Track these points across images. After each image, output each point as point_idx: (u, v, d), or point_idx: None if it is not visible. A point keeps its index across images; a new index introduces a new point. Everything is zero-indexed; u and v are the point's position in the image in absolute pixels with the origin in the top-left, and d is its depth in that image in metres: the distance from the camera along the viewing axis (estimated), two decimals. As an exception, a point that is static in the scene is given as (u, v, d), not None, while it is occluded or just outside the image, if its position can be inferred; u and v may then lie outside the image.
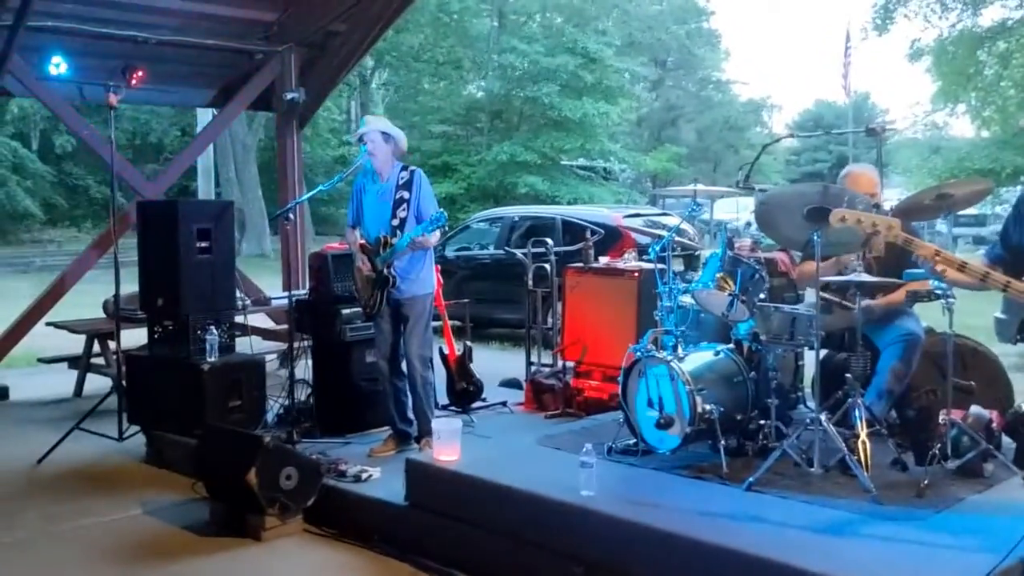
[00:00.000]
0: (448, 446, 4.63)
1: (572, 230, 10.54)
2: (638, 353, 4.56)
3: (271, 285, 10.65)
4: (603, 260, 6.73)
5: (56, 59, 6.45)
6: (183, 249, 6.12)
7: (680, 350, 4.54)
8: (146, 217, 6.47)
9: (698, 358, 4.57)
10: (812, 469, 4.14)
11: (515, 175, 24.14)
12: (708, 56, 40.23)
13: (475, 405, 6.57)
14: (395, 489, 4.83)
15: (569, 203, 21.02)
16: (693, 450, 4.53)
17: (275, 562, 4.64)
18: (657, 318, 4.75)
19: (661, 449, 4.46)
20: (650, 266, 6.22)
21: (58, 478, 6.02)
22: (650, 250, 4.89)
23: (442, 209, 5.23)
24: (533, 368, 7.48)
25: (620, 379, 4.65)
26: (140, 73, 6.37)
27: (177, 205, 6.39)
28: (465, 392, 6.51)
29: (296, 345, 6.30)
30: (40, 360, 8.66)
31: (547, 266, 7.55)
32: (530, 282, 7.67)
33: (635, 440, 4.66)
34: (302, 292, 6.84)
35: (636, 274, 6.27)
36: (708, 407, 4.33)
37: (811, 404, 4.97)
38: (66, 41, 8.09)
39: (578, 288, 6.61)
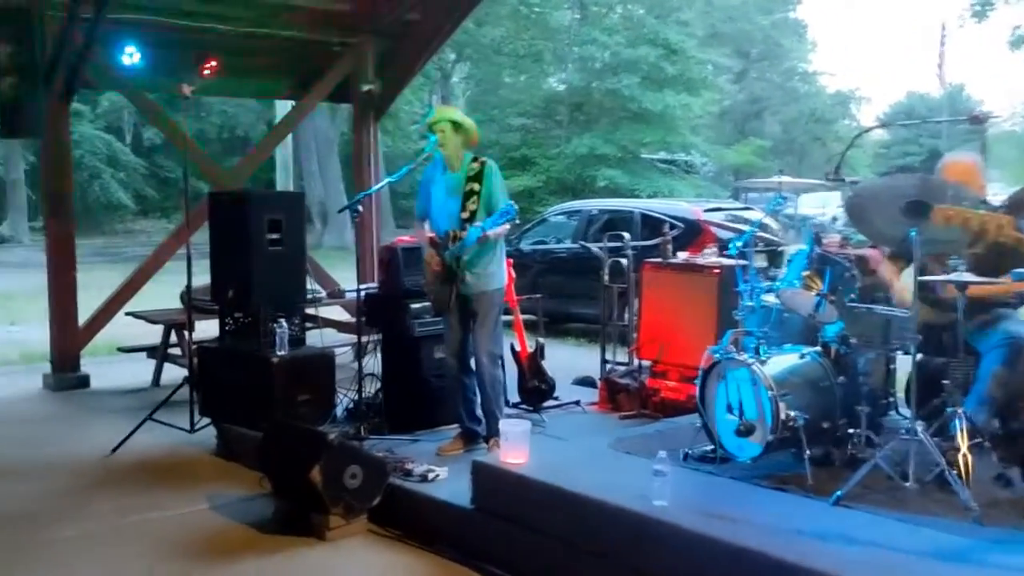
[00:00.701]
0: (516, 448, 4.45)
1: (651, 224, 10.26)
2: (717, 355, 4.30)
3: (350, 278, 10.62)
4: (682, 255, 6.47)
5: (129, 48, 6.46)
6: (254, 240, 6.06)
7: (762, 352, 4.26)
8: (218, 208, 6.43)
9: (782, 361, 4.29)
10: (907, 484, 3.83)
11: (594, 168, 23.79)
12: (794, 47, 39.15)
13: (546, 404, 6.38)
14: (461, 491, 4.67)
15: (649, 197, 20.64)
16: (775, 459, 4.25)
17: (339, 563, 4.53)
18: (738, 318, 4.47)
19: (741, 457, 4.20)
20: (731, 262, 5.95)
21: (130, 469, 6.03)
22: (731, 246, 4.62)
23: (512, 201, 5.04)
24: (608, 367, 7.27)
25: (698, 381, 4.41)
26: (213, 63, 6.32)
27: (248, 196, 6.34)
28: (536, 390, 6.33)
29: (366, 339, 6.19)
30: (119, 349, 8.76)
31: (624, 261, 7.32)
32: (606, 277, 7.45)
33: (712, 447, 4.41)
34: (371, 286, 6.73)
35: (716, 271, 5.99)
36: (792, 413, 4.05)
37: (904, 412, 4.66)
38: (146, 33, 8.15)
39: (655, 284, 6.36)
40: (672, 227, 7.56)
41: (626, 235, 7.41)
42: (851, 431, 4.24)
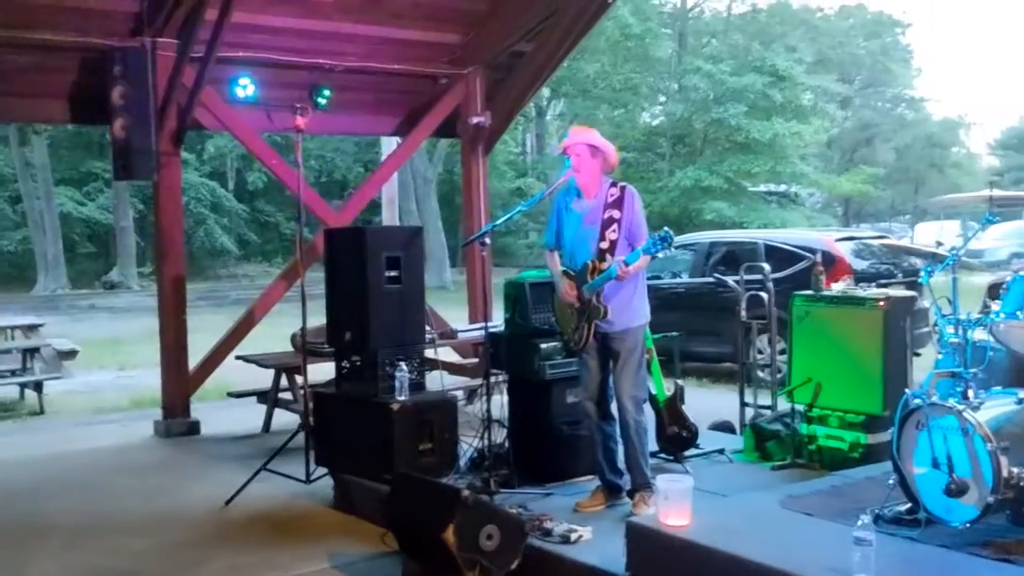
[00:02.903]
0: (678, 508, 3.90)
1: (777, 255, 9.61)
2: (918, 400, 3.69)
3: (453, 319, 10.26)
4: (836, 287, 5.84)
5: (243, 80, 6.21)
6: (371, 279, 5.69)
7: (972, 396, 3.63)
8: (334, 245, 6.10)
9: (995, 407, 3.65)
10: None
11: (700, 201, 23.03)
12: (901, 73, 37.88)
13: (688, 453, 5.81)
14: (610, 554, 4.15)
15: (760, 228, 19.84)
16: (990, 523, 3.60)
17: (476, 634, 4.05)
18: (939, 355, 3.87)
19: (951, 521, 3.57)
20: (900, 294, 5.32)
21: (244, 523, 5.68)
22: (923, 273, 4.01)
23: (667, 228, 4.53)
24: (749, 410, 6.67)
25: (893, 431, 3.80)
26: (327, 93, 6.03)
27: (365, 232, 5.98)
28: (678, 438, 5.77)
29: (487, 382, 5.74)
30: (230, 394, 8.51)
31: (763, 295, 6.74)
32: (743, 312, 6.88)
33: (909, 506, 3.79)
34: (495, 324, 6.29)
35: (882, 303, 5.36)
36: (1015, 470, 3.41)
37: None
38: (254, 71, 7.99)
39: (808, 319, 5.74)
40: (801, 259, 7.00)
41: (766, 266, 6.85)
42: (1083, 489, 3.57)
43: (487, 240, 5.18)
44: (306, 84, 7.44)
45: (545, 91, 29.07)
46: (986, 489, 3.45)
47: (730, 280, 7.03)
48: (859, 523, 3.26)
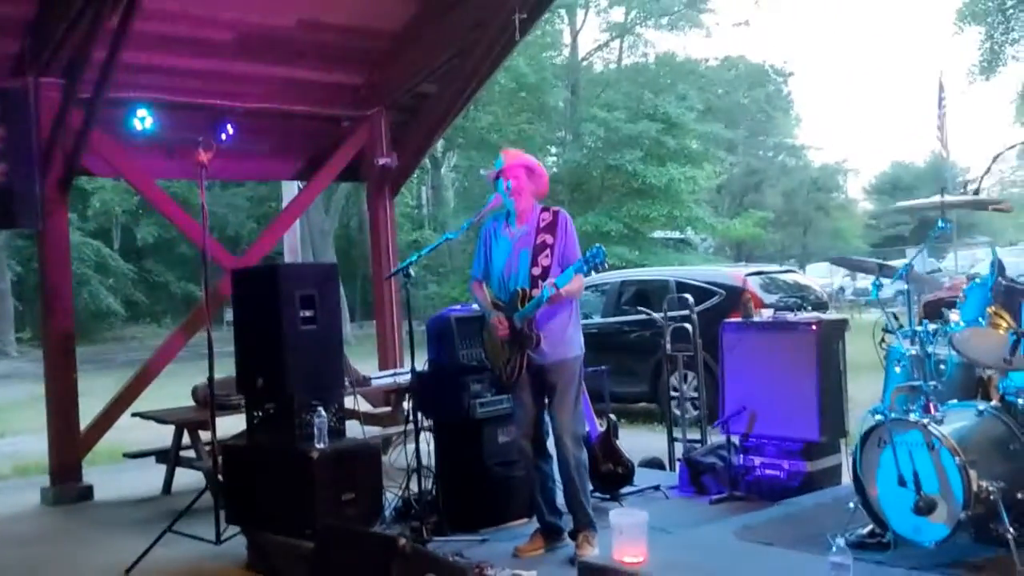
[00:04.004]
0: (633, 544, 3.66)
1: (688, 292, 9.57)
2: (880, 416, 3.55)
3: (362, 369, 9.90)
4: (766, 314, 5.76)
5: (141, 112, 5.82)
6: (285, 319, 5.31)
7: (934, 410, 3.51)
8: (242, 286, 5.69)
9: (959, 418, 3.54)
10: None
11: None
12: (782, 121, 39.35)
13: (624, 491, 5.59)
14: (561, 599, 3.88)
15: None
16: (956, 542, 3.47)
17: None
18: (898, 370, 3.75)
19: (922, 541, 3.42)
20: (831, 317, 5.25)
21: (150, 591, 5.18)
22: (872, 287, 3.91)
23: (599, 244, 4.34)
24: (679, 444, 6.51)
25: (854, 451, 3.65)
26: (230, 128, 5.69)
27: (277, 269, 5.62)
28: (613, 475, 5.55)
29: (410, 428, 5.42)
30: (126, 455, 7.90)
31: (688, 326, 6.63)
32: (668, 345, 6.75)
33: (871, 528, 3.64)
34: (406, 371, 5.97)
35: (814, 327, 5.28)
36: (985, 483, 3.29)
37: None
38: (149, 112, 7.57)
39: (740, 347, 5.63)
40: (712, 295, 6.96)
41: (689, 297, 6.75)
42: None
43: (411, 271, 4.89)
44: (203, 127, 7.09)
45: (439, 144, 29.03)
46: (956, 505, 3.32)
47: (655, 314, 6.89)
48: (834, 548, 3.08)
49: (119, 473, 8.22)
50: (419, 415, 5.29)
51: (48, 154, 7.43)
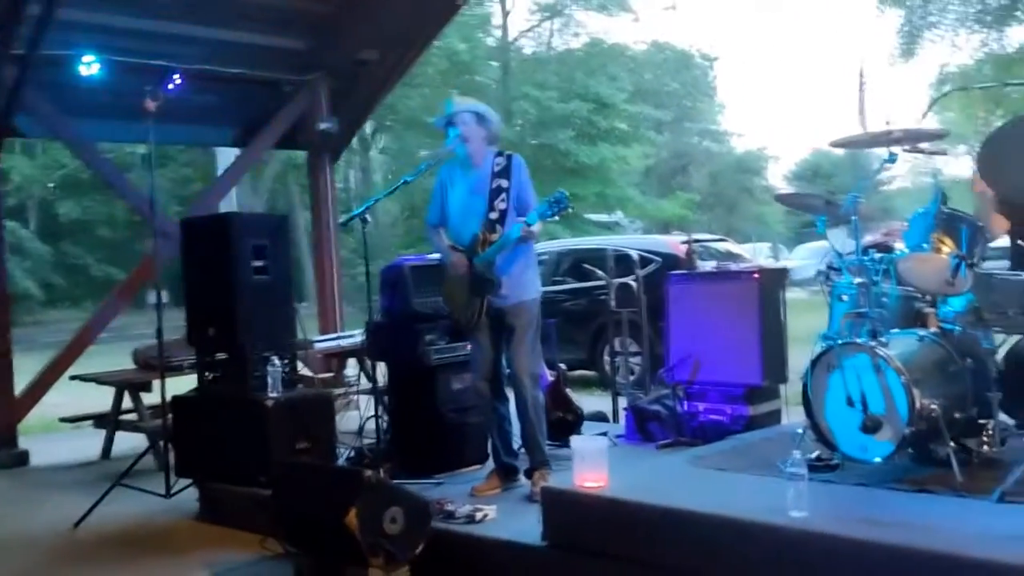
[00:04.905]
0: (594, 469, 3.77)
1: (626, 261, 9.76)
2: (828, 342, 3.72)
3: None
4: (709, 265, 5.94)
5: (88, 58, 5.68)
6: (238, 269, 5.31)
7: (879, 336, 3.70)
8: (193, 236, 5.65)
9: (902, 344, 3.74)
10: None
11: (535, 225, 23.18)
12: (706, 108, 39.94)
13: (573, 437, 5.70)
14: (522, 528, 3.99)
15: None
16: (897, 463, 3.67)
17: (386, 625, 3.76)
18: (843, 300, 3.93)
19: (869, 458, 3.60)
20: (772, 265, 5.44)
21: (101, 542, 5.14)
22: (819, 221, 4.07)
23: (579, 192, 4.43)
24: (623, 398, 6.66)
25: (804, 375, 3.81)
26: (177, 78, 5.62)
27: (230, 219, 5.60)
28: (562, 422, 5.66)
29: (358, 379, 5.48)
30: (62, 420, 7.75)
31: (633, 284, 6.80)
32: (613, 302, 6.90)
33: (818, 454, 3.82)
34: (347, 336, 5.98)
35: (756, 275, 5.48)
36: (927, 401, 3.48)
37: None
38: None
39: (685, 299, 5.79)
40: (648, 262, 7.12)
41: (634, 254, 6.91)
42: (982, 422, 3.70)
43: (368, 217, 4.92)
44: (141, 89, 6.97)
45: (368, 125, 28.72)
46: (901, 422, 3.51)
47: (599, 272, 7.03)
48: (790, 460, 3.23)
49: (54, 441, 8.06)
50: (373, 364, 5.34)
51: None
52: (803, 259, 27.11)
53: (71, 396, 8.05)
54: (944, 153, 4.10)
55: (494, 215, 4.61)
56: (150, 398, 7.26)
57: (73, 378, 7.53)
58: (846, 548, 2.95)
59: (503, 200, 4.61)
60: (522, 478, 4.81)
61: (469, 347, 4.91)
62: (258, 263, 5.40)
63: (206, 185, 30.20)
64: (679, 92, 34.59)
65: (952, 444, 3.48)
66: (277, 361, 5.27)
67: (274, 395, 5.22)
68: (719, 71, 42.53)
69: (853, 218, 3.77)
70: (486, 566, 4.01)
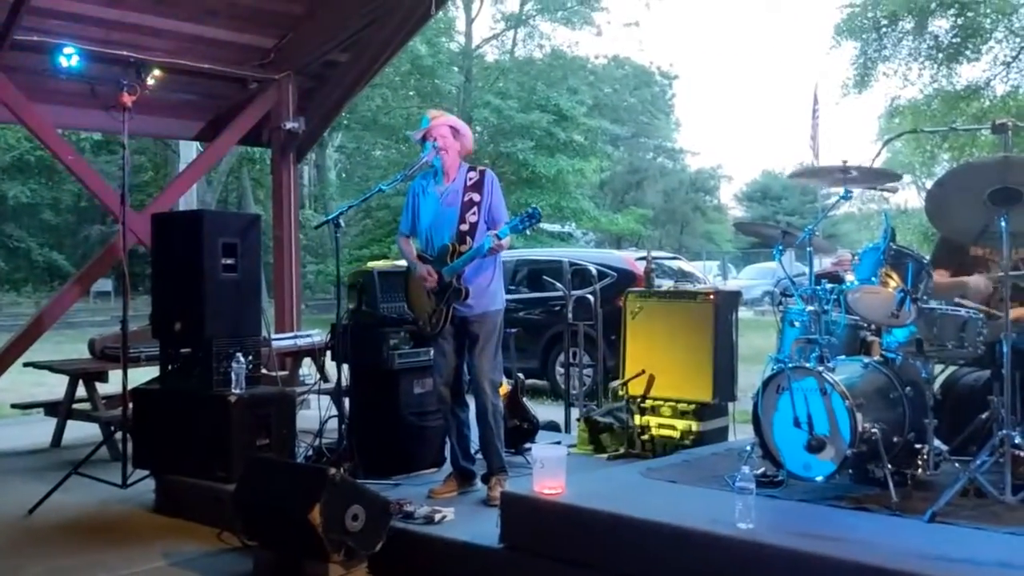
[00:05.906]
0: (553, 476, 3.94)
1: (582, 274, 9.97)
2: (779, 365, 3.94)
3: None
4: (666, 284, 6.15)
5: (68, 50, 5.72)
6: (207, 266, 5.39)
7: (827, 361, 3.93)
8: (163, 231, 5.72)
9: (848, 370, 3.97)
10: (1004, 498, 3.52)
11: (489, 233, 23.28)
12: (663, 125, 40.53)
13: (528, 446, 5.87)
14: (479, 531, 4.14)
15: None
16: (838, 483, 3.89)
17: (343, 618, 3.88)
18: (795, 325, 4.15)
19: (811, 476, 3.82)
20: (727, 288, 5.66)
21: (57, 529, 5.17)
22: (775, 251, 4.29)
23: (536, 204, 4.60)
24: (583, 407, 6.84)
25: (754, 397, 4.02)
26: (157, 72, 5.68)
27: (203, 216, 5.68)
28: (518, 430, 5.82)
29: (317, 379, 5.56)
30: (13, 406, 7.72)
31: (590, 297, 6.99)
32: (570, 315, 7.09)
33: (763, 470, 4.03)
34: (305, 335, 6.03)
35: (712, 296, 5.69)
36: (868, 425, 3.71)
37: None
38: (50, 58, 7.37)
39: (642, 315, 5.99)
40: (604, 276, 7.34)
41: (592, 268, 7.11)
42: (918, 446, 3.94)
43: (341, 222, 5.04)
44: (110, 78, 6.97)
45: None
46: (844, 444, 3.73)
47: (558, 284, 7.20)
48: (739, 476, 3.43)
49: (4, 428, 8.03)
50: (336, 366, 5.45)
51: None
52: (751, 279, 27.74)
53: (16, 382, 8.00)
54: (896, 191, 4.36)
55: (464, 227, 4.76)
56: (105, 388, 7.29)
57: (27, 365, 7.50)
58: (789, 560, 3.16)
59: (474, 213, 4.77)
60: (479, 483, 4.96)
61: (432, 353, 5.05)
62: (228, 261, 5.49)
63: (157, 174, 30.10)
64: (637, 108, 35.07)
65: (889, 466, 3.71)
66: (242, 358, 5.36)
67: (237, 391, 5.30)
68: (677, 89, 43.27)
69: (808, 250, 3.99)
70: (443, 565, 4.15)
